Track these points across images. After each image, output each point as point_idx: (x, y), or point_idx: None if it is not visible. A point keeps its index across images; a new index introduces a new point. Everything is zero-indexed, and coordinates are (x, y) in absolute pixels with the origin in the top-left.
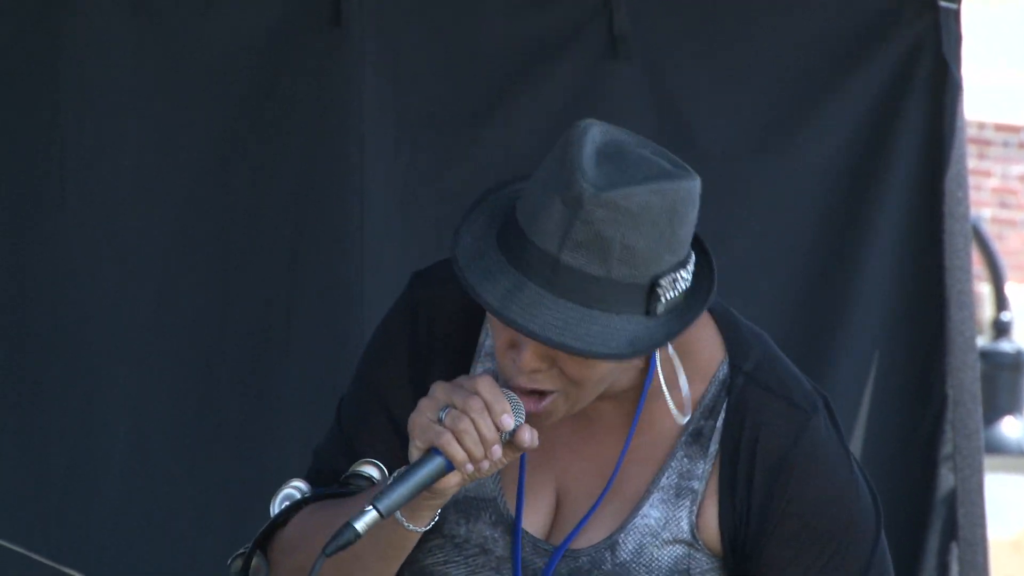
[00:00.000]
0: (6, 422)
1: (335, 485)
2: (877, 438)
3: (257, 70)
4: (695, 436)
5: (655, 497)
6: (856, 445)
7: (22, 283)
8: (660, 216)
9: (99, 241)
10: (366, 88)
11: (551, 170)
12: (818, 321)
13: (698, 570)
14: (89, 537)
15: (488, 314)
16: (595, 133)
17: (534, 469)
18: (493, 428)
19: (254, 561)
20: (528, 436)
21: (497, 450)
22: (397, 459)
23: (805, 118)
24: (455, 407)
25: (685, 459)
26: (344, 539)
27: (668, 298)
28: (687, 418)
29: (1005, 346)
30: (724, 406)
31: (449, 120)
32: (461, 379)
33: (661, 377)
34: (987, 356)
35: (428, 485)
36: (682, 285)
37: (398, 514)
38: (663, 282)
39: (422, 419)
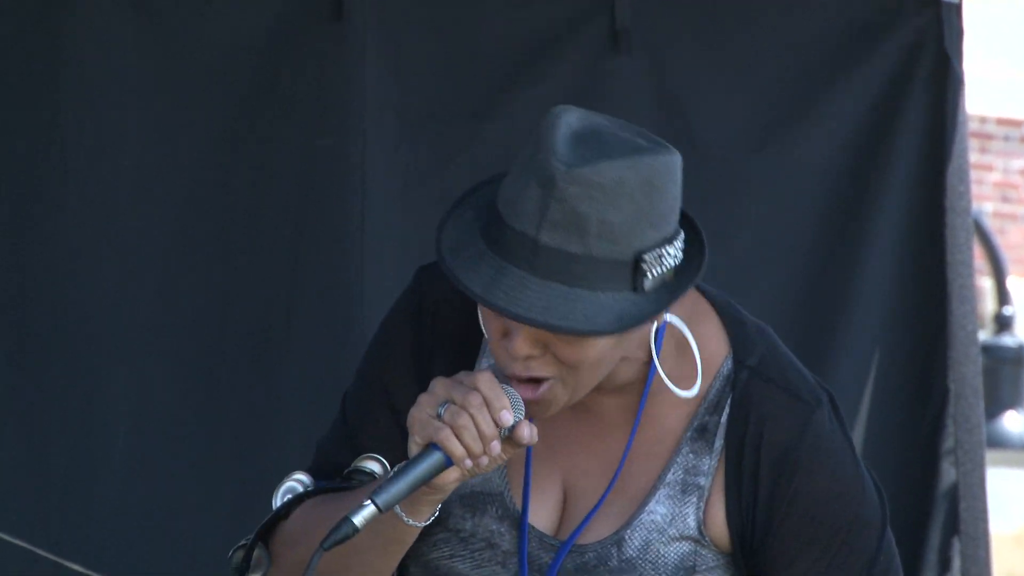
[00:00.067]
0: (6, 422)
1: (338, 479)
2: (879, 433)
3: (257, 69)
4: (700, 432)
5: (661, 493)
6: (858, 440)
7: (22, 283)
8: (636, 190)
9: (99, 241)
10: (367, 85)
11: (527, 155)
12: (818, 320)
13: (704, 567)
14: (89, 536)
15: (480, 307)
16: (571, 118)
17: (540, 464)
18: (492, 424)
19: (256, 553)
20: (527, 432)
21: (496, 446)
22: (400, 454)
23: (806, 114)
24: (454, 403)
25: (691, 455)
26: (342, 533)
27: (655, 274)
28: (694, 391)
29: (1007, 340)
30: (729, 401)
31: (450, 117)
32: (461, 375)
33: (657, 368)
34: (989, 350)
35: (427, 480)
36: (670, 261)
37: (397, 509)
38: (647, 257)
39: (421, 414)
